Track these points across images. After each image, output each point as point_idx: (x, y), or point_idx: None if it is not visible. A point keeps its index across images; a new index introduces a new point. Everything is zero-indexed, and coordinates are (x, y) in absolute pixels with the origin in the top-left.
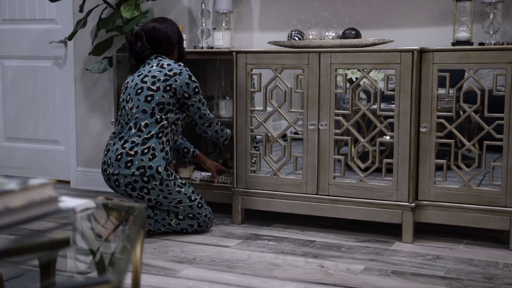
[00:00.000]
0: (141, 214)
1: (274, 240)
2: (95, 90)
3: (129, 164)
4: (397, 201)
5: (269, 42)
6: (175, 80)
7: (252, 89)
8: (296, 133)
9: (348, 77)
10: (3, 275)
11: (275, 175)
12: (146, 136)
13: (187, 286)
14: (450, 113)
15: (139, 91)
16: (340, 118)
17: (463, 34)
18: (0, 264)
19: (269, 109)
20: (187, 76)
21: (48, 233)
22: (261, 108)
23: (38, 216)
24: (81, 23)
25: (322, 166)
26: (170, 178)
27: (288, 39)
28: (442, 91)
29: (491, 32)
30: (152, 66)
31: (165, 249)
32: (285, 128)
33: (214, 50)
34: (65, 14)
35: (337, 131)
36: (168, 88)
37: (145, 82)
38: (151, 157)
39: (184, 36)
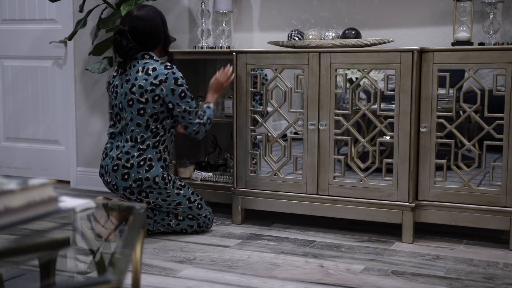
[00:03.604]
0: (141, 214)
1: (274, 240)
2: (95, 90)
3: (126, 176)
4: (397, 201)
5: (269, 42)
6: (161, 89)
7: (254, 89)
8: (296, 133)
9: (348, 77)
10: (3, 275)
11: (275, 175)
12: (141, 147)
13: (187, 286)
14: (450, 113)
15: (130, 102)
16: (340, 118)
17: (463, 34)
18: (0, 264)
19: (269, 109)
20: (173, 81)
21: (48, 233)
22: (261, 108)
23: (38, 216)
24: (81, 23)
25: (322, 166)
26: (168, 186)
27: (288, 39)
28: (442, 91)
29: (491, 32)
30: (138, 72)
31: (165, 249)
32: (285, 128)
33: (214, 50)
34: (65, 14)
35: (337, 131)
36: (156, 98)
37: (134, 93)
38: (147, 168)
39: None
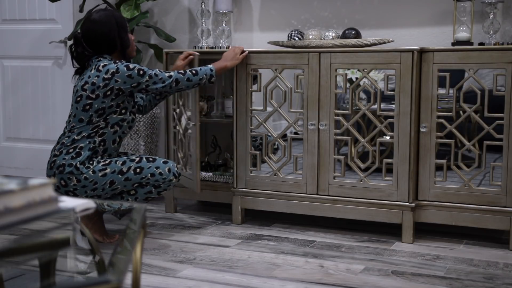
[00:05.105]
0: (141, 214)
1: (274, 240)
2: None
3: (52, 164)
4: (397, 201)
5: (269, 42)
6: (115, 81)
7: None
8: (296, 133)
9: (348, 77)
10: (3, 275)
11: (275, 175)
12: (76, 138)
13: (187, 286)
14: (450, 113)
15: (78, 99)
16: (340, 118)
17: (463, 34)
18: (0, 264)
19: (269, 109)
20: (125, 69)
21: (48, 233)
22: (261, 108)
23: (38, 216)
24: (81, 23)
25: (322, 166)
26: (88, 171)
27: (288, 39)
28: (442, 91)
29: (491, 32)
30: (91, 70)
31: (165, 249)
32: (285, 128)
33: (214, 50)
34: (65, 14)
35: (337, 131)
36: (108, 93)
37: (85, 90)
38: (74, 155)
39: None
